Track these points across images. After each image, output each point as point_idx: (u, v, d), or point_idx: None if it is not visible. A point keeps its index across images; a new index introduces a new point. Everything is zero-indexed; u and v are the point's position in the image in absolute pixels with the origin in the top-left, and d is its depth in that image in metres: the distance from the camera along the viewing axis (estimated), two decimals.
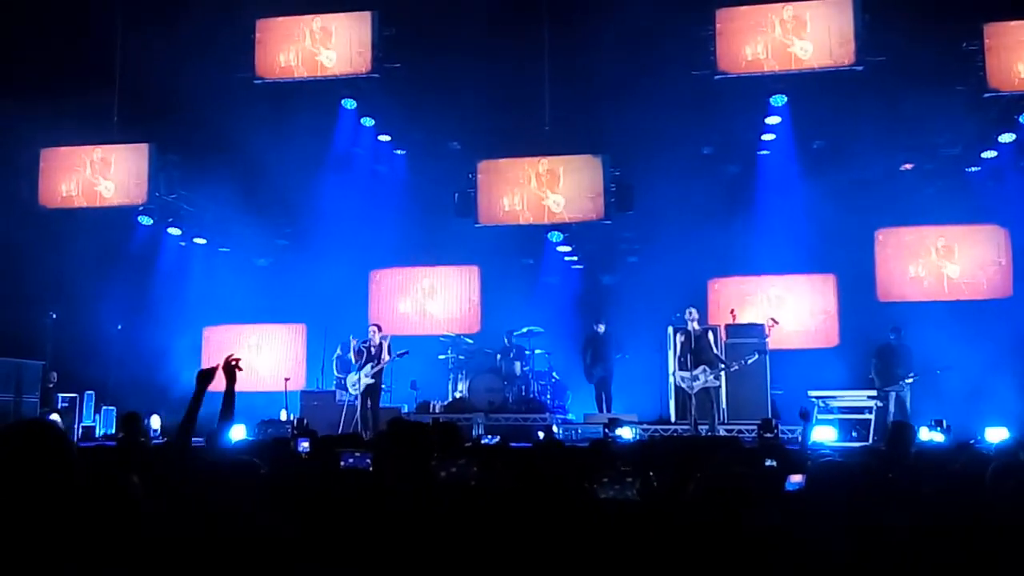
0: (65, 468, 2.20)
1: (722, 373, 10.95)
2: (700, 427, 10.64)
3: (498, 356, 12.94)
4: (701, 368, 10.68)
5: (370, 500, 2.16)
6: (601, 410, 12.36)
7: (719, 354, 11.07)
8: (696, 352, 10.73)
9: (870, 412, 10.75)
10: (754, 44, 12.04)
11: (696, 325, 10.88)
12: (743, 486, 2.12)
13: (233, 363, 3.87)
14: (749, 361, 10.93)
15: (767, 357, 11.74)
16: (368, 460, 2.30)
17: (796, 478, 3.26)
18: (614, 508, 2.82)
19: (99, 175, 13.77)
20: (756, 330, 12.03)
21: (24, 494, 2.11)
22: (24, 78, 12.30)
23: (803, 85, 12.28)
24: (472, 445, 6.84)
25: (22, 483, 2.15)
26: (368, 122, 13.75)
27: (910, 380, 11.08)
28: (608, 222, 12.92)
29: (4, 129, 12.49)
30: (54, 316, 14.03)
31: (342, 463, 2.26)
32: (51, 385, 13.07)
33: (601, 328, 12.79)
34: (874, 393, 10.94)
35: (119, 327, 14.74)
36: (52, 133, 13.38)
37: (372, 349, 11.54)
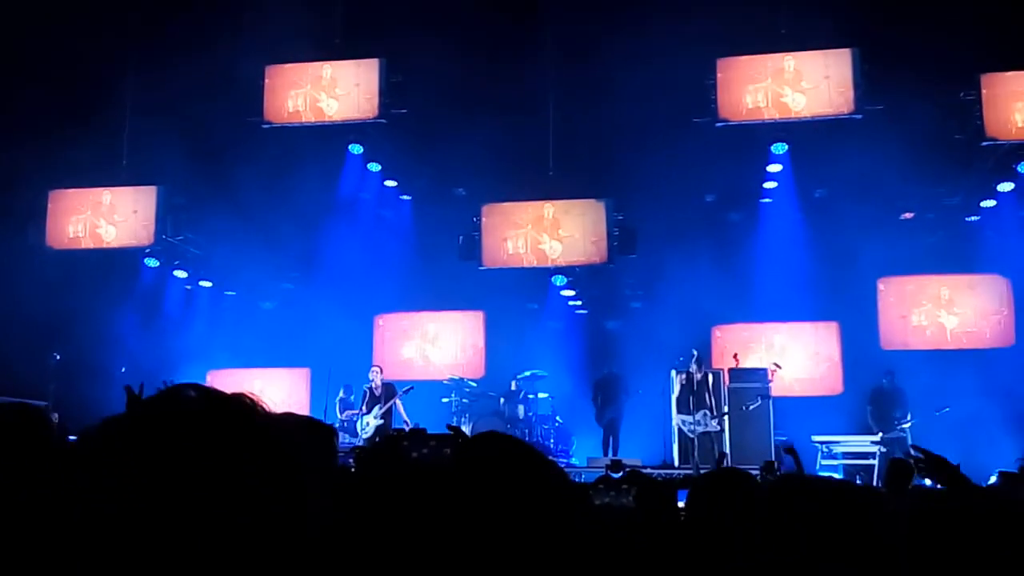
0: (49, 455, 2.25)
1: (725, 418, 10.92)
2: (702, 470, 10.57)
3: (502, 400, 12.92)
4: (702, 412, 10.67)
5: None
6: (607, 453, 12.31)
7: (722, 399, 11.07)
8: (697, 396, 10.74)
9: (874, 457, 10.69)
10: (754, 93, 12.25)
11: (697, 369, 10.90)
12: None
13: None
14: (752, 407, 10.91)
15: (770, 403, 11.72)
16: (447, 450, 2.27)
17: None
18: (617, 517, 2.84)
19: (106, 217, 13.92)
20: (759, 374, 12.03)
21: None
22: (33, 120, 12.49)
23: (803, 133, 12.46)
24: None
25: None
26: (375, 167, 13.93)
27: (907, 424, 11.04)
28: (611, 266, 12.99)
29: (13, 171, 12.66)
30: (58, 357, 14.04)
31: (414, 454, 2.24)
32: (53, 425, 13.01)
33: (610, 370, 12.80)
34: (878, 438, 10.90)
35: (123, 369, 14.74)
36: (61, 175, 13.57)
37: (376, 391, 11.54)
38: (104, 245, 13.95)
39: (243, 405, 0.90)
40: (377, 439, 11.16)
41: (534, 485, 1.90)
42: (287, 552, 0.86)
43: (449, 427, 2.26)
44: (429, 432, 12.93)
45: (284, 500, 0.86)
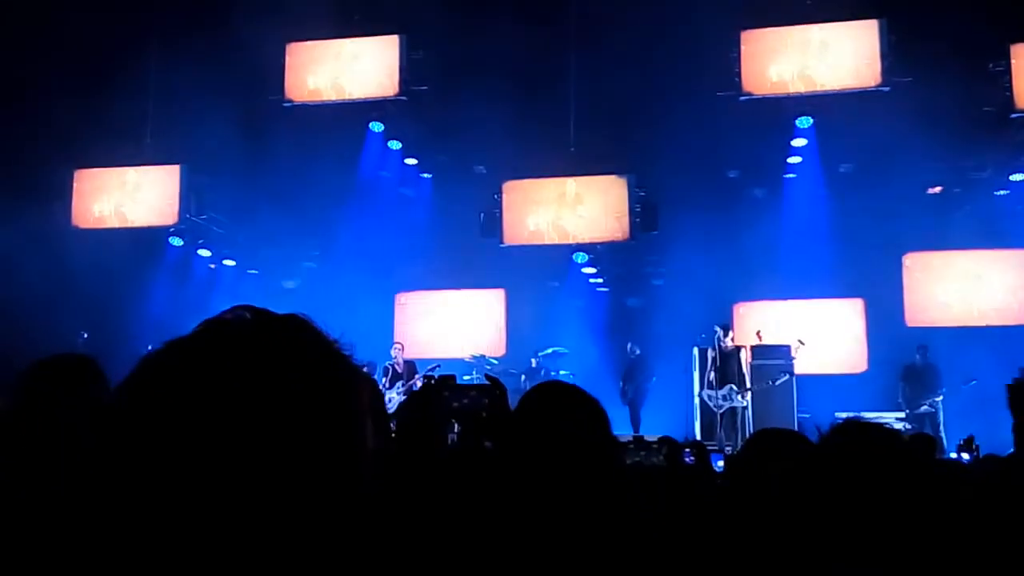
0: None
1: (748, 393, 10.86)
2: (727, 447, 10.54)
3: (523, 377, 12.92)
4: (728, 387, 10.61)
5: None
6: (636, 431, 12.31)
7: (746, 374, 11.00)
8: (723, 371, 10.67)
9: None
10: (779, 65, 12.08)
11: (729, 343, 10.82)
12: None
13: None
14: (778, 382, 10.84)
15: (794, 379, 11.63)
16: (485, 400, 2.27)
17: None
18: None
19: (131, 196, 14.02)
20: (782, 351, 11.93)
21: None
22: (58, 100, 12.56)
23: (829, 107, 12.27)
24: None
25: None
26: (395, 145, 13.91)
27: (939, 398, 10.92)
28: (633, 242, 12.92)
29: (38, 150, 12.77)
30: (85, 336, 14.20)
31: (455, 404, 2.23)
32: None
33: (634, 351, 12.76)
34: (903, 415, 10.79)
35: (148, 347, 14.84)
36: (85, 154, 13.67)
37: (398, 367, 11.58)
38: (129, 224, 14.06)
39: (301, 322, 0.92)
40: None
41: (594, 423, 1.93)
42: (344, 475, 0.86)
43: (488, 377, 2.26)
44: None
45: (341, 422, 0.87)
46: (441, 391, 2.16)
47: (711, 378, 10.75)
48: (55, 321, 13.49)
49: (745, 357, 11.72)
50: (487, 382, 2.27)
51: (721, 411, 10.63)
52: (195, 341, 0.86)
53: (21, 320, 11.94)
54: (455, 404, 2.15)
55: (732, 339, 10.85)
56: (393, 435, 2.28)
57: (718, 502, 2.99)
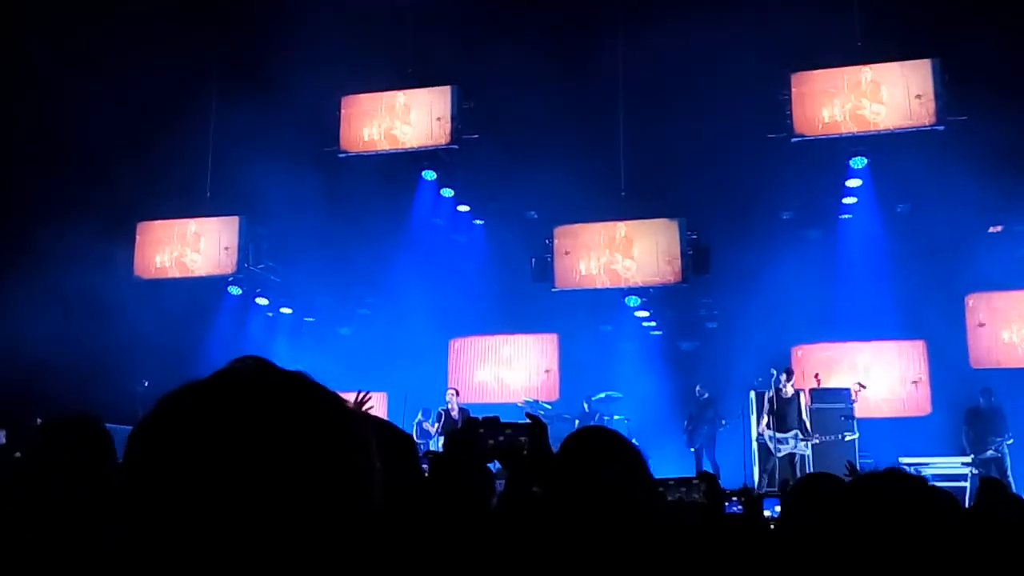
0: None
1: (812, 442, 10.65)
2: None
3: (577, 422, 12.82)
4: (793, 433, 10.43)
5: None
6: None
7: (806, 420, 10.80)
8: (781, 415, 10.49)
9: (965, 480, 10.25)
10: (831, 107, 12.01)
11: (790, 388, 10.66)
12: None
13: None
14: (847, 437, 10.61)
15: (855, 423, 11.37)
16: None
17: None
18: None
19: (191, 247, 14.40)
20: (843, 395, 11.68)
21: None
22: (120, 155, 13.01)
23: (883, 147, 12.15)
24: None
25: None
26: (448, 193, 14.11)
27: (1009, 441, 10.56)
28: (685, 285, 12.85)
29: (103, 203, 13.20)
30: (146, 384, 14.51)
31: (490, 441, 2.25)
32: None
33: (703, 393, 12.61)
34: (969, 460, 10.46)
35: None
36: (148, 207, 14.10)
37: (453, 413, 11.60)
38: (190, 274, 14.41)
39: (304, 379, 0.95)
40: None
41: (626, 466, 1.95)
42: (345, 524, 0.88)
43: (528, 415, 2.27)
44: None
45: (347, 472, 0.89)
46: (476, 428, 2.17)
47: (768, 422, 10.56)
48: (118, 370, 13.83)
49: (804, 401, 11.51)
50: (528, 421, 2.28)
51: (779, 455, 10.42)
52: (202, 387, 0.91)
53: (86, 370, 12.26)
54: (491, 441, 2.16)
55: (793, 383, 10.68)
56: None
57: (759, 546, 2.94)
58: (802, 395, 10.93)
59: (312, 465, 0.86)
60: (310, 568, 0.85)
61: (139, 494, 0.85)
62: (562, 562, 1.91)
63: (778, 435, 10.49)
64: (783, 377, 10.78)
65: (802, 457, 10.60)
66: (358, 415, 0.95)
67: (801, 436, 10.40)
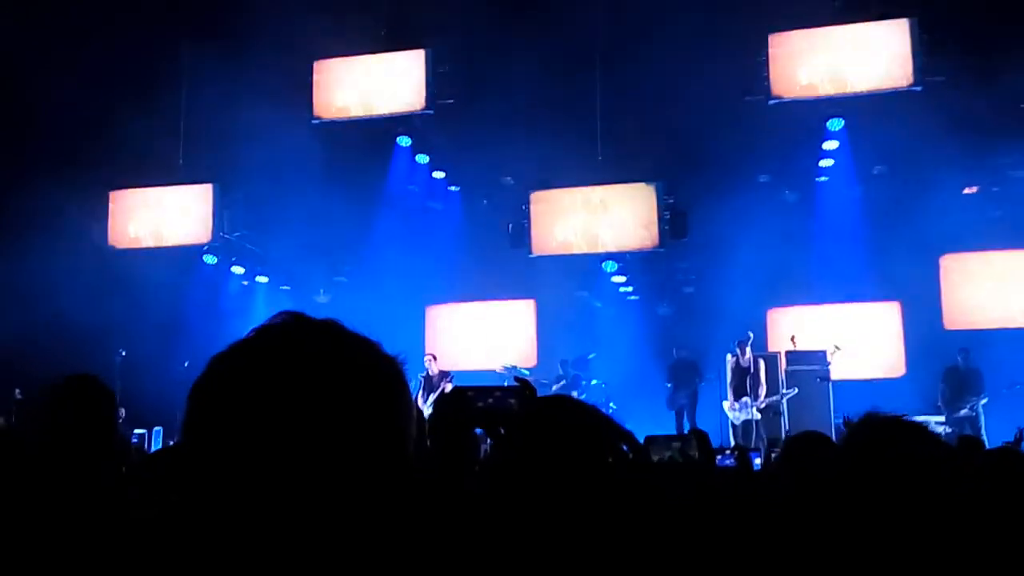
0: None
1: (784, 402, 10.81)
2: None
3: (554, 387, 12.88)
4: (743, 399, 10.63)
5: None
6: None
7: (779, 383, 10.94)
8: (742, 382, 10.69)
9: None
10: (808, 67, 11.97)
11: (741, 354, 10.84)
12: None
13: None
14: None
15: (830, 385, 11.49)
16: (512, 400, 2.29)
17: None
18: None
19: (165, 216, 14.21)
20: (818, 356, 11.79)
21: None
22: (90, 123, 12.79)
23: (861, 108, 12.13)
24: None
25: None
26: (423, 159, 13.99)
27: (984, 401, 10.72)
28: (662, 250, 12.85)
29: (75, 173, 12.98)
30: (123, 354, 14.40)
31: (479, 404, 2.23)
32: (120, 421, 13.36)
33: (679, 353, 12.71)
34: (943, 419, 10.61)
35: (186, 364, 15.06)
36: (120, 176, 13.89)
37: (433, 379, 11.60)
38: (164, 244, 14.24)
39: (339, 327, 1.02)
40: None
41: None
42: (384, 465, 0.93)
43: (517, 379, 2.25)
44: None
45: (381, 416, 0.94)
46: (465, 392, 2.15)
47: (733, 388, 10.83)
48: (94, 340, 13.71)
49: (779, 364, 11.62)
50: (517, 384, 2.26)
51: (738, 423, 10.63)
52: (250, 343, 0.96)
53: (62, 340, 12.14)
54: (479, 404, 2.14)
55: (742, 353, 10.96)
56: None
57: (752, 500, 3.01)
58: (761, 362, 11.11)
59: (359, 404, 0.92)
60: (363, 503, 0.90)
61: (204, 448, 0.91)
62: (540, 527, 1.90)
63: (734, 403, 10.76)
64: (739, 349, 11.03)
65: (758, 423, 10.82)
66: (391, 357, 1.02)
67: (750, 403, 10.63)
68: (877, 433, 1.67)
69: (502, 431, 2.21)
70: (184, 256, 14.34)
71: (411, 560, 0.99)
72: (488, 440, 2.45)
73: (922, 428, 1.69)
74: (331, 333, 0.99)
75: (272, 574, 0.87)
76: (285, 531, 0.87)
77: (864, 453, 1.63)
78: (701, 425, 12.51)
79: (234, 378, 0.93)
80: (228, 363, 0.95)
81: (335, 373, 0.93)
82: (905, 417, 1.72)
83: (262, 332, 0.98)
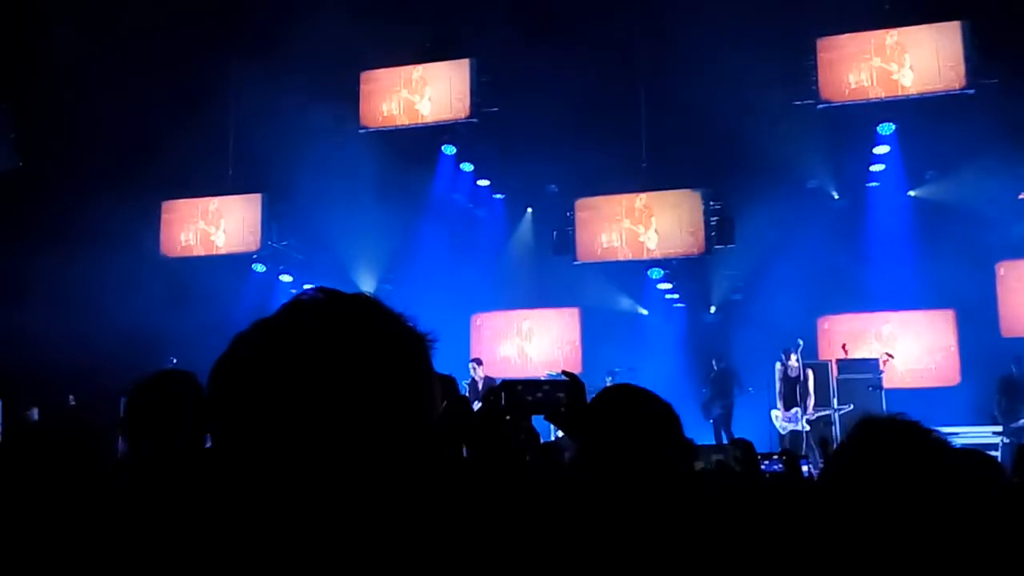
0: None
1: (815, 418, 10.69)
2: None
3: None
4: (794, 410, 10.46)
5: None
6: None
7: (831, 392, 10.76)
8: (792, 392, 10.51)
9: (996, 449, 10.12)
10: (857, 71, 11.78)
11: (793, 364, 10.66)
12: None
13: None
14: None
15: (882, 394, 11.25)
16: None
17: None
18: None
19: (215, 225, 14.47)
20: (870, 365, 11.56)
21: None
22: (145, 136, 13.08)
23: (912, 112, 11.91)
24: None
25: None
26: (467, 167, 14.05)
27: None
28: (708, 256, 12.73)
29: (130, 186, 13.29)
30: (175, 361, 14.64)
31: (528, 398, 2.27)
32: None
33: (719, 364, 12.56)
34: (1000, 429, 10.32)
35: None
36: (172, 186, 14.18)
37: (479, 384, 11.62)
38: (215, 252, 14.50)
39: (369, 300, 1.03)
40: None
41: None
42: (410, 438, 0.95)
43: (565, 372, 2.27)
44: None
45: (407, 388, 0.96)
46: (515, 385, 2.17)
47: (782, 397, 10.66)
48: (147, 347, 13.98)
49: (830, 373, 11.42)
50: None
51: (786, 432, 10.45)
52: (278, 319, 0.98)
53: (116, 347, 12.40)
54: (528, 398, 2.16)
55: (786, 360, 10.74)
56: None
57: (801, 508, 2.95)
58: (810, 372, 10.91)
59: (383, 374, 0.94)
60: (387, 469, 0.91)
61: (229, 420, 0.92)
62: (592, 518, 1.91)
63: (786, 414, 10.57)
64: (784, 357, 10.83)
65: (807, 434, 10.63)
66: (417, 333, 1.03)
67: (801, 414, 10.45)
68: (865, 433, 1.64)
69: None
70: (234, 264, 14.59)
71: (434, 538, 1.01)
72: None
73: (918, 427, 1.65)
74: (358, 306, 1.00)
75: (303, 539, 0.88)
76: (311, 499, 0.89)
77: (855, 455, 1.60)
78: (749, 434, 12.33)
79: (255, 350, 0.94)
80: (251, 337, 0.96)
81: (361, 343, 0.95)
82: (901, 416, 1.68)
83: (286, 308, 1.00)
